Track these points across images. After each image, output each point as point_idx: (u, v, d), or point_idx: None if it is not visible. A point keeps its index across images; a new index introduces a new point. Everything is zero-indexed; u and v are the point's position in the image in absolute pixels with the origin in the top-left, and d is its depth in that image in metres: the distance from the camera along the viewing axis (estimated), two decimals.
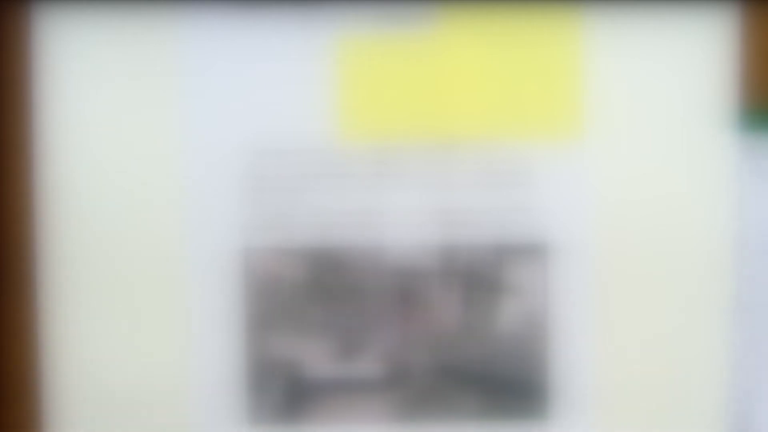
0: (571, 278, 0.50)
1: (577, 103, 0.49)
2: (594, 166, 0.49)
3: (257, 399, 0.50)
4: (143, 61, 0.48)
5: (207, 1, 0.48)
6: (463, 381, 0.50)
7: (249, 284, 0.50)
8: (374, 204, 0.49)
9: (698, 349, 0.50)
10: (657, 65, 0.49)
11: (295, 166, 0.49)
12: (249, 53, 0.48)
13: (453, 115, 0.49)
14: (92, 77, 0.48)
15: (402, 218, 0.49)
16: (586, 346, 0.50)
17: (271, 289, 0.50)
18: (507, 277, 0.50)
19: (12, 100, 0.49)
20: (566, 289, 0.50)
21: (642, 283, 0.50)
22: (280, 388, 0.50)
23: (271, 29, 0.48)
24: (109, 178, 0.49)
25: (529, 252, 0.50)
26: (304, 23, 0.48)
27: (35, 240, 0.49)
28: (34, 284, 0.50)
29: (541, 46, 0.49)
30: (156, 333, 0.50)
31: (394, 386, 0.50)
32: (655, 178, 0.49)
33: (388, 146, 0.49)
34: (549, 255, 0.50)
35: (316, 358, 0.50)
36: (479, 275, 0.50)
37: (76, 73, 0.48)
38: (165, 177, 0.49)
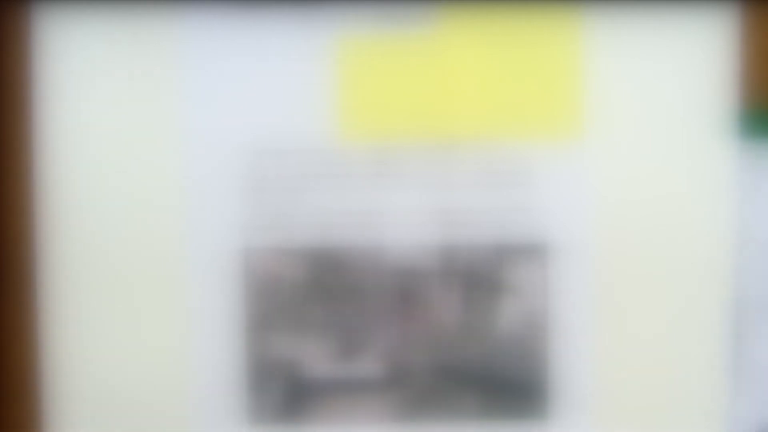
0: (571, 278, 0.50)
1: (577, 103, 0.49)
2: (594, 166, 0.49)
3: (257, 399, 0.50)
4: (143, 61, 0.48)
5: (207, 1, 0.48)
6: (463, 381, 0.50)
7: (249, 284, 0.50)
8: (374, 204, 0.49)
9: (698, 349, 0.50)
10: (657, 65, 0.49)
11: (295, 166, 0.49)
12: (249, 53, 0.48)
13: (453, 115, 0.49)
14: (92, 77, 0.48)
15: (402, 218, 0.49)
16: (586, 346, 0.50)
17: (271, 289, 0.50)
18: (507, 277, 0.50)
19: (12, 100, 0.49)
20: (566, 289, 0.50)
21: (642, 283, 0.50)
22: (280, 388, 0.50)
23: (271, 29, 0.48)
24: (108, 178, 0.49)
25: (529, 252, 0.50)
26: (304, 23, 0.48)
27: (35, 240, 0.49)
28: (34, 284, 0.49)
29: (541, 46, 0.49)
30: (156, 333, 0.50)
31: (394, 386, 0.50)
32: (654, 178, 0.49)
33: (388, 146, 0.49)
34: (549, 255, 0.50)
35: (316, 358, 0.50)
36: (479, 275, 0.50)
37: (76, 73, 0.48)
38: (165, 177, 0.49)
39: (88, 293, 0.50)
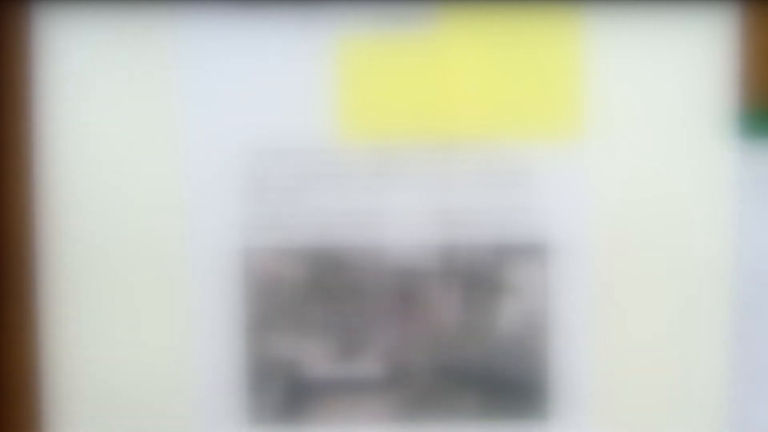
0: (571, 278, 0.50)
1: (577, 103, 0.49)
2: (594, 166, 0.49)
3: (257, 399, 0.50)
4: (143, 61, 0.48)
5: (207, 1, 0.48)
6: (463, 381, 0.50)
7: (249, 284, 0.50)
8: (374, 204, 0.49)
9: (698, 349, 0.50)
10: (657, 65, 0.49)
11: (295, 166, 0.49)
12: (249, 53, 0.48)
13: (453, 115, 0.49)
14: (92, 77, 0.48)
15: (402, 218, 0.49)
16: (586, 346, 0.50)
17: (271, 289, 0.50)
18: (507, 277, 0.50)
19: (12, 100, 0.49)
20: (566, 289, 0.50)
21: (642, 283, 0.50)
22: (280, 388, 0.50)
23: (271, 29, 0.48)
24: (109, 178, 0.49)
25: (529, 252, 0.50)
26: (304, 23, 0.48)
27: (35, 240, 0.49)
28: (34, 284, 0.49)
29: (541, 46, 0.49)
30: (156, 333, 0.50)
31: (394, 386, 0.50)
32: (654, 178, 0.49)
33: (388, 146, 0.49)
34: (549, 255, 0.50)
35: (316, 358, 0.50)
36: (479, 275, 0.50)
37: (76, 73, 0.48)
38: (165, 177, 0.49)
39: (88, 293, 0.50)
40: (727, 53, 0.48)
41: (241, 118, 0.49)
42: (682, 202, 0.49)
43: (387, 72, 0.49)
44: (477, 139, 0.49)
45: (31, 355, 0.50)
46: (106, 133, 0.49)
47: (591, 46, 0.49)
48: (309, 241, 0.50)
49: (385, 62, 0.49)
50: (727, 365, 0.50)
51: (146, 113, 0.49)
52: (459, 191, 0.49)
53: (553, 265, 0.50)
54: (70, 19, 0.48)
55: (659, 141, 0.49)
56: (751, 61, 0.49)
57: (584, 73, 0.49)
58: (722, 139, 0.49)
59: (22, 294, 0.49)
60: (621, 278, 0.50)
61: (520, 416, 0.50)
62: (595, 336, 0.50)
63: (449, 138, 0.49)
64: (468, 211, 0.49)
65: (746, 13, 0.48)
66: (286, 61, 0.48)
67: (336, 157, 0.49)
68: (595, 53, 0.49)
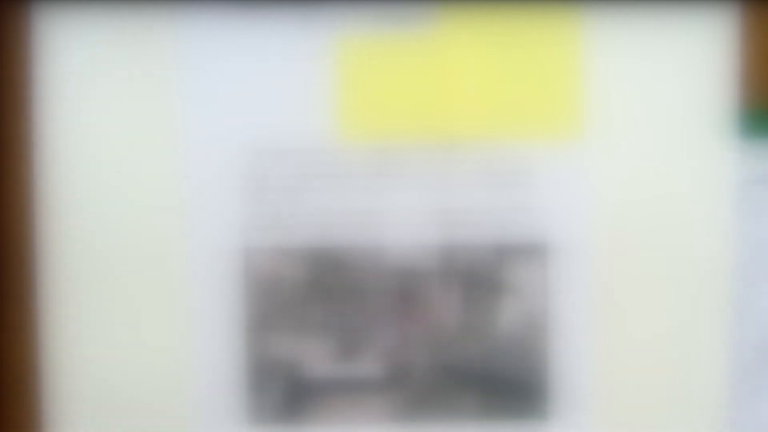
0: (571, 278, 0.50)
1: (577, 103, 0.49)
2: (594, 166, 0.49)
3: (257, 399, 0.50)
4: (143, 61, 0.48)
5: (207, 1, 0.48)
6: (463, 381, 0.50)
7: (249, 284, 0.50)
8: (374, 204, 0.49)
9: (698, 349, 0.50)
10: (657, 65, 0.49)
11: (295, 166, 0.49)
12: (249, 53, 0.48)
13: (453, 115, 0.49)
14: (92, 77, 0.48)
15: (402, 218, 0.49)
16: (586, 346, 0.50)
17: (271, 289, 0.50)
18: (507, 277, 0.50)
19: (12, 100, 0.49)
20: (566, 289, 0.50)
21: (642, 283, 0.50)
22: (280, 388, 0.50)
23: (271, 29, 0.48)
24: (109, 178, 0.49)
25: (529, 252, 0.50)
26: (304, 23, 0.48)
27: (35, 240, 0.49)
28: (34, 284, 0.49)
29: (541, 46, 0.49)
30: (156, 333, 0.50)
31: (394, 386, 0.50)
32: (655, 178, 0.49)
33: (388, 146, 0.49)
34: (549, 255, 0.50)
35: (316, 358, 0.50)
36: (479, 275, 0.50)
37: (76, 73, 0.48)
38: (165, 177, 0.49)
39: (88, 293, 0.50)
40: (727, 53, 0.48)
41: (241, 118, 0.49)
42: (682, 202, 0.49)
43: (387, 72, 0.49)
44: (477, 139, 0.49)
45: (31, 355, 0.50)
46: (106, 133, 0.49)
47: (591, 46, 0.49)
48: (309, 241, 0.50)
49: (385, 62, 0.49)
50: (727, 365, 0.50)
51: (146, 113, 0.49)
52: (459, 191, 0.49)
53: (553, 265, 0.50)
54: (70, 19, 0.48)
55: (659, 141, 0.49)
56: (751, 61, 0.49)
57: (584, 73, 0.49)
58: (722, 139, 0.49)
59: (22, 294, 0.49)
60: (621, 278, 0.50)
61: (520, 416, 0.50)
62: (595, 336, 0.50)
63: (449, 138, 0.49)
64: (468, 211, 0.49)
65: (746, 13, 0.48)
66: (286, 61, 0.48)
67: (336, 157, 0.49)
68: (595, 53, 0.49)
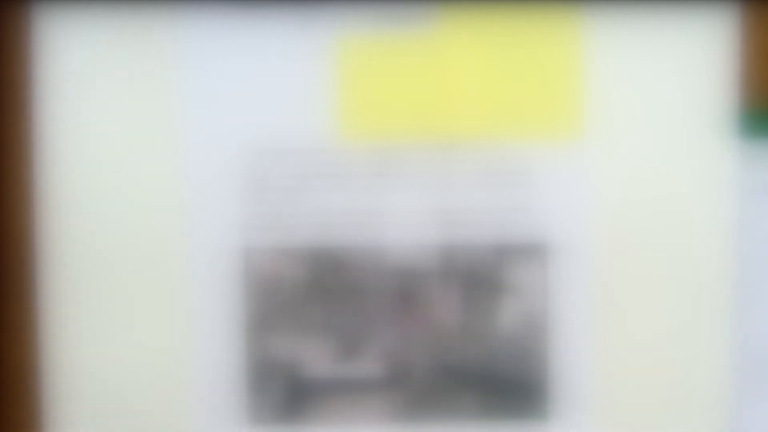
0: (571, 278, 0.50)
1: (577, 103, 0.49)
2: (594, 166, 0.49)
3: (257, 399, 0.50)
4: (143, 61, 0.48)
5: (207, 1, 0.48)
6: (463, 381, 0.50)
7: (249, 284, 0.50)
8: (374, 204, 0.49)
9: (698, 349, 0.50)
10: (657, 65, 0.49)
11: (295, 166, 0.49)
12: (249, 53, 0.48)
13: (453, 115, 0.49)
14: (92, 77, 0.48)
15: (402, 218, 0.49)
16: (586, 346, 0.50)
17: (271, 289, 0.50)
18: (507, 277, 0.50)
19: (12, 100, 0.49)
20: (566, 289, 0.50)
21: (642, 283, 0.50)
22: (280, 388, 0.50)
23: (271, 29, 0.48)
24: (109, 178, 0.49)
25: (529, 252, 0.50)
26: (304, 23, 0.48)
27: (35, 240, 0.49)
28: (34, 284, 0.49)
29: (541, 46, 0.49)
30: (156, 333, 0.50)
31: (394, 386, 0.50)
32: (654, 178, 0.49)
33: (388, 146, 0.49)
34: (549, 255, 0.50)
35: (316, 358, 0.50)
36: (479, 275, 0.50)
37: (76, 73, 0.48)
38: (165, 177, 0.49)
39: (88, 293, 0.50)
40: (727, 53, 0.48)
41: (241, 118, 0.49)
42: (682, 202, 0.49)
43: (387, 72, 0.49)
44: (477, 139, 0.49)
45: (31, 355, 0.50)
46: (106, 133, 0.49)
47: (591, 46, 0.49)
48: (309, 241, 0.50)
49: (385, 62, 0.49)
50: (727, 365, 0.50)
51: (146, 113, 0.49)
52: (459, 191, 0.49)
53: (553, 265, 0.50)
54: (70, 19, 0.48)
55: (659, 141, 0.49)
56: (751, 61, 0.49)
57: (584, 73, 0.49)
58: (722, 139, 0.49)
59: (22, 294, 0.49)
60: (621, 278, 0.50)
61: (520, 416, 0.50)
62: (595, 336, 0.50)
63: (449, 138, 0.49)
64: (468, 211, 0.49)
65: (746, 13, 0.48)
66: (286, 61, 0.48)
67: (336, 157, 0.49)
68: (595, 53, 0.49)
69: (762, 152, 0.49)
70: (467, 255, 0.50)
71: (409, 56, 0.49)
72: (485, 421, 0.50)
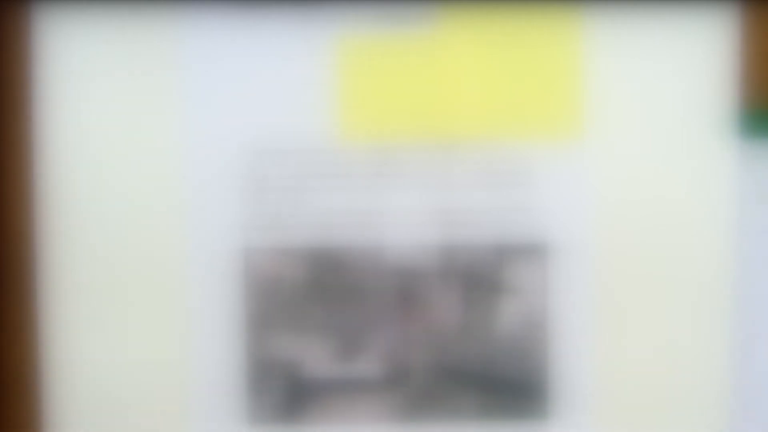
0: (571, 278, 0.50)
1: (577, 103, 0.49)
2: (594, 166, 0.49)
3: (257, 399, 0.50)
4: (143, 61, 0.48)
5: (207, 1, 0.48)
6: (463, 381, 0.50)
7: (249, 284, 0.50)
8: (374, 204, 0.49)
9: (698, 349, 0.50)
10: (657, 65, 0.49)
11: (295, 166, 0.49)
12: (249, 53, 0.48)
13: (453, 115, 0.49)
14: (92, 77, 0.48)
15: (402, 218, 0.49)
16: (586, 346, 0.50)
17: (271, 289, 0.50)
18: (507, 277, 0.50)
19: (12, 100, 0.49)
20: (566, 289, 0.50)
21: (642, 283, 0.50)
22: (280, 388, 0.50)
23: (271, 29, 0.48)
24: (109, 178, 0.49)
25: (529, 252, 0.50)
26: (304, 23, 0.48)
27: (35, 240, 0.49)
28: (34, 284, 0.49)
29: (541, 46, 0.49)
30: (156, 333, 0.50)
31: (394, 386, 0.50)
32: (654, 178, 0.49)
33: (388, 146, 0.49)
34: (549, 255, 0.50)
35: (316, 358, 0.50)
36: (479, 275, 0.50)
37: (76, 73, 0.48)
38: (165, 177, 0.49)
39: (88, 293, 0.50)
40: (727, 53, 0.48)
41: (241, 118, 0.49)
42: (682, 202, 0.49)
43: (387, 72, 0.49)
44: (477, 139, 0.49)
45: (31, 355, 0.50)
46: (106, 133, 0.49)
47: (591, 46, 0.49)
48: (309, 241, 0.50)
49: (385, 62, 0.49)
50: (727, 365, 0.50)
51: (146, 113, 0.49)
52: (459, 191, 0.49)
53: (553, 265, 0.50)
54: (70, 19, 0.48)
55: (659, 141, 0.49)
56: (751, 61, 0.49)
57: (584, 73, 0.49)
58: (722, 139, 0.49)
59: (22, 294, 0.49)
60: (621, 278, 0.50)
61: (520, 416, 0.50)
62: (595, 336, 0.50)
63: (449, 138, 0.49)
64: (468, 211, 0.49)
65: (746, 13, 0.48)
66: (286, 61, 0.48)
67: (336, 157, 0.49)
68: (595, 53, 0.49)
69: (762, 152, 0.49)
70: (467, 255, 0.50)
71: (409, 56, 0.49)
72: (485, 421, 0.50)
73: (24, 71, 0.48)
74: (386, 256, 0.50)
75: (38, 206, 0.49)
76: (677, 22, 0.48)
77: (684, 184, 0.49)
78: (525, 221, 0.49)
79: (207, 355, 0.50)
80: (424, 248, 0.50)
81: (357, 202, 0.49)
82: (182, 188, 0.49)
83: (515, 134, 0.49)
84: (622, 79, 0.49)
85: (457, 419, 0.50)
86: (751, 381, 0.50)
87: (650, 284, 0.50)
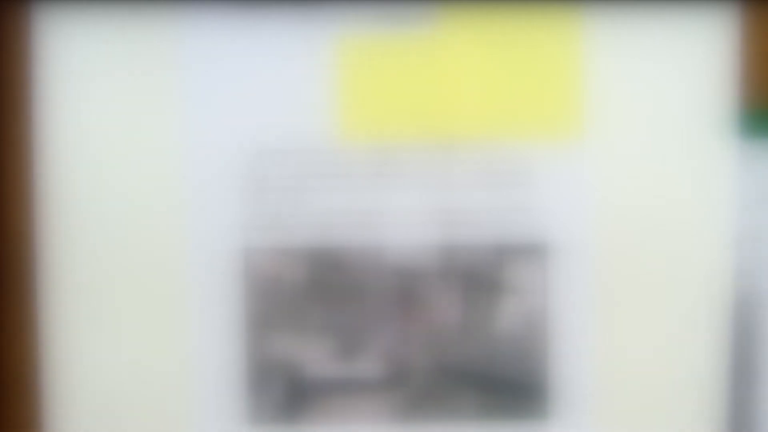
0: (571, 278, 0.50)
1: (577, 103, 0.49)
2: (594, 166, 0.49)
3: (257, 399, 0.50)
4: (143, 61, 0.48)
5: (207, 1, 0.48)
6: (463, 381, 0.50)
7: (249, 284, 0.50)
8: (374, 204, 0.49)
9: (698, 349, 0.50)
10: (657, 65, 0.49)
11: (295, 166, 0.49)
12: (249, 53, 0.48)
13: (453, 115, 0.49)
14: (92, 77, 0.48)
15: (402, 218, 0.49)
16: (586, 346, 0.50)
17: (271, 289, 0.50)
18: (507, 277, 0.50)
19: (12, 100, 0.49)
20: (566, 289, 0.50)
21: (642, 283, 0.50)
22: (280, 388, 0.50)
23: (271, 29, 0.48)
24: (109, 178, 0.49)
25: (529, 252, 0.50)
26: (304, 23, 0.48)
27: (35, 240, 0.49)
28: (34, 284, 0.49)
29: (541, 46, 0.49)
30: (156, 333, 0.50)
31: (394, 386, 0.50)
32: (654, 178, 0.49)
33: (388, 146, 0.49)
34: (549, 255, 0.50)
35: (316, 358, 0.50)
36: (479, 275, 0.50)
37: (76, 73, 0.48)
38: (165, 177, 0.49)
39: (88, 293, 0.50)
40: (727, 53, 0.48)
41: (241, 118, 0.49)
42: (682, 202, 0.49)
43: (387, 72, 0.49)
44: (477, 139, 0.49)
45: (31, 355, 0.50)
46: (106, 133, 0.49)
47: (591, 46, 0.49)
48: (309, 241, 0.50)
49: (385, 62, 0.49)
50: (726, 365, 0.50)
51: (146, 113, 0.49)
52: (459, 191, 0.49)
53: (553, 265, 0.50)
54: (70, 19, 0.48)
55: (659, 141, 0.49)
56: (751, 61, 0.49)
57: (584, 73, 0.49)
58: (722, 139, 0.49)
59: (22, 294, 0.49)
60: (621, 278, 0.50)
61: (520, 416, 0.50)
62: (595, 336, 0.50)
63: (449, 138, 0.49)
64: (468, 211, 0.49)
65: (746, 13, 0.48)
66: (286, 61, 0.48)
67: (336, 157, 0.49)
68: (595, 53, 0.49)
69: (762, 152, 0.49)
70: (467, 255, 0.50)
71: (409, 56, 0.49)
72: (485, 421, 0.50)
73: (24, 71, 0.48)
74: (386, 256, 0.50)
75: (38, 206, 0.49)
76: (677, 23, 0.48)
77: (684, 184, 0.49)
78: (525, 221, 0.50)
79: (207, 355, 0.50)
80: (424, 248, 0.50)
81: (357, 202, 0.49)
82: (182, 188, 0.49)
83: (515, 134, 0.49)
84: (622, 79, 0.49)
85: (457, 419, 0.50)
86: (750, 381, 0.50)
87: (650, 284, 0.50)
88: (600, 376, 0.50)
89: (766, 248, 0.49)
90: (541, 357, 0.50)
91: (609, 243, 0.50)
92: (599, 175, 0.49)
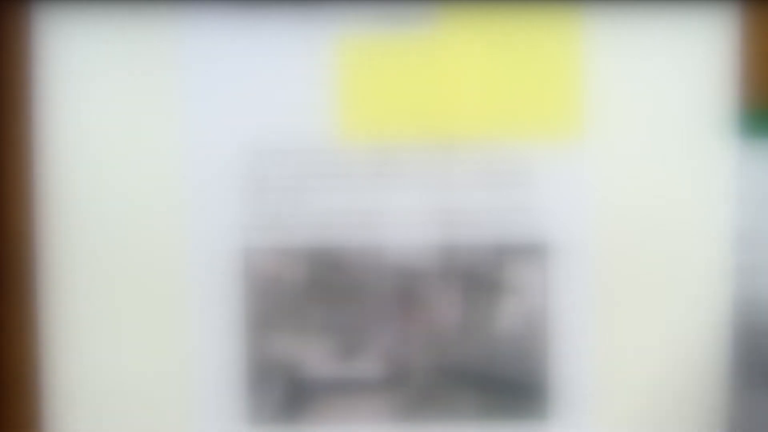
0: (571, 278, 0.50)
1: (577, 103, 0.49)
2: (594, 166, 0.49)
3: (257, 399, 0.50)
4: (143, 61, 0.48)
5: (207, 1, 0.48)
6: (463, 381, 0.50)
7: (249, 284, 0.50)
8: (374, 204, 0.49)
9: (698, 349, 0.50)
10: (657, 65, 0.49)
11: (295, 166, 0.49)
12: (249, 53, 0.48)
13: (453, 115, 0.49)
14: (92, 77, 0.48)
15: (402, 218, 0.49)
16: (586, 346, 0.50)
17: (271, 289, 0.50)
18: (507, 277, 0.50)
19: (12, 100, 0.49)
20: (566, 289, 0.50)
21: (642, 283, 0.50)
22: (280, 388, 0.50)
23: (271, 29, 0.48)
24: (109, 178, 0.49)
25: (529, 252, 0.50)
26: (304, 23, 0.48)
27: (35, 240, 0.49)
28: (34, 284, 0.49)
29: (541, 46, 0.49)
30: (156, 333, 0.50)
31: (394, 386, 0.50)
32: (654, 178, 0.49)
33: (388, 146, 0.49)
34: (549, 255, 0.50)
35: (316, 358, 0.50)
36: (479, 275, 0.50)
37: (76, 73, 0.48)
38: (165, 177, 0.49)
39: (88, 293, 0.50)
40: (727, 53, 0.48)
41: (241, 118, 0.49)
42: (682, 202, 0.49)
43: (387, 72, 0.49)
44: (477, 139, 0.49)
45: (31, 355, 0.50)
46: (106, 133, 0.49)
47: (591, 46, 0.49)
48: (309, 241, 0.50)
49: (385, 62, 0.49)
50: (726, 365, 0.50)
51: (146, 113, 0.49)
52: (459, 191, 0.49)
53: (553, 265, 0.50)
54: (70, 19, 0.48)
55: (659, 141, 0.49)
56: (751, 61, 0.49)
57: (584, 73, 0.49)
58: (722, 139, 0.49)
59: (22, 294, 0.49)
60: (621, 278, 0.50)
61: (520, 416, 0.50)
62: (595, 336, 0.50)
63: (449, 138, 0.49)
64: (468, 211, 0.49)
65: (746, 13, 0.48)
66: (286, 61, 0.49)
67: (336, 157, 0.49)
68: (595, 53, 0.49)
69: (762, 152, 0.49)
70: (467, 255, 0.50)
71: (409, 56, 0.49)
72: (485, 421, 0.50)
73: (24, 71, 0.48)
74: (386, 256, 0.50)
75: (38, 206, 0.49)
76: (677, 22, 0.48)
77: (684, 184, 0.49)
78: (525, 221, 0.50)
79: (207, 355, 0.50)
80: (424, 248, 0.50)
81: (357, 202, 0.49)
82: (182, 188, 0.49)
83: (515, 134, 0.49)
84: (622, 79, 0.49)
85: (457, 419, 0.50)
86: (751, 381, 0.50)
87: (650, 284, 0.50)
88: (600, 376, 0.50)
89: (766, 248, 0.49)
90: (541, 357, 0.50)
91: (609, 243, 0.50)
92: (599, 175, 0.49)
